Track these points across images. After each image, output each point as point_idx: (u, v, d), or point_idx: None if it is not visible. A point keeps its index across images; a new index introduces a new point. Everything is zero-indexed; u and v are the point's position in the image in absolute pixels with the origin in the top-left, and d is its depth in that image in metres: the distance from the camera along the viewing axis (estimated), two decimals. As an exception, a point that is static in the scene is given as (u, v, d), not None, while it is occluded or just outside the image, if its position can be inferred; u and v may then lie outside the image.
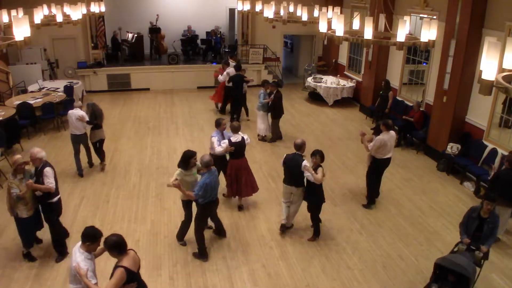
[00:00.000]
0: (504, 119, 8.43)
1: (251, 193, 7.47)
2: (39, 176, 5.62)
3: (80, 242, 4.12)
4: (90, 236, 4.05)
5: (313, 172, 6.17)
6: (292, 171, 6.37)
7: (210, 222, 6.66)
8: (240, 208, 7.50)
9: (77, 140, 8.43)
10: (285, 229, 6.81)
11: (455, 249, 5.39)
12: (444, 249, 6.35)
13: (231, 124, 7.40)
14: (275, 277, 5.82)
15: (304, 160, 6.26)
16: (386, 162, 7.41)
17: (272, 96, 10.21)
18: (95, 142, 8.69)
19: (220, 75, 12.03)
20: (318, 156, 6.24)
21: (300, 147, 6.39)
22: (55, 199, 5.84)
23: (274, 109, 10.40)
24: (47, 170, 5.63)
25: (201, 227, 6.14)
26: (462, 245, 5.31)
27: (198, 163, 5.99)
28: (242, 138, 7.24)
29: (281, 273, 5.90)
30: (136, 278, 4.03)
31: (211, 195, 5.83)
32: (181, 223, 6.45)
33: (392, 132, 7.29)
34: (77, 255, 4.04)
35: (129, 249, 4.05)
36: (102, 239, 4.07)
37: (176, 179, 5.80)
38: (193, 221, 6.19)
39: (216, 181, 5.93)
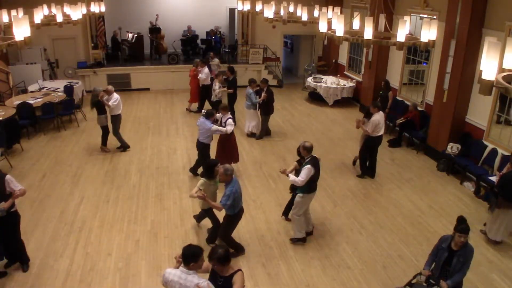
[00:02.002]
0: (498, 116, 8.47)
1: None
2: None
3: (173, 269, 3.85)
4: (191, 257, 3.71)
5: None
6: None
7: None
8: None
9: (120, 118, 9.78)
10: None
11: (413, 281, 4.92)
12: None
13: (221, 106, 8.49)
14: (275, 277, 5.82)
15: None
16: (380, 139, 8.52)
17: (264, 93, 10.32)
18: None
19: (201, 75, 12.19)
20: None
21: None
22: (15, 208, 5.49)
23: (266, 106, 10.50)
24: (10, 177, 5.35)
25: (229, 235, 6.03)
26: (421, 277, 4.80)
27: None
28: None
29: (281, 273, 5.90)
30: None
31: (239, 204, 5.74)
32: (209, 230, 6.50)
33: (381, 112, 8.42)
34: (188, 277, 3.68)
35: None
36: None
37: (200, 189, 5.64)
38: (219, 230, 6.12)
39: (240, 188, 5.78)
